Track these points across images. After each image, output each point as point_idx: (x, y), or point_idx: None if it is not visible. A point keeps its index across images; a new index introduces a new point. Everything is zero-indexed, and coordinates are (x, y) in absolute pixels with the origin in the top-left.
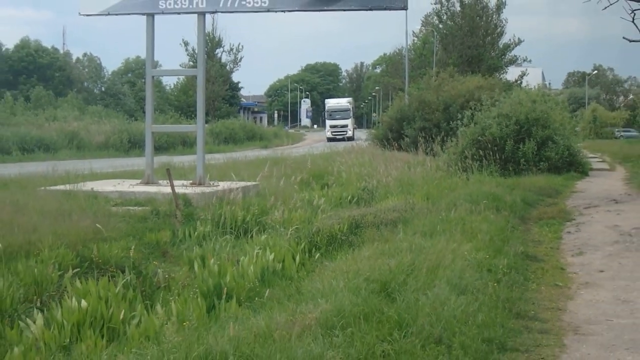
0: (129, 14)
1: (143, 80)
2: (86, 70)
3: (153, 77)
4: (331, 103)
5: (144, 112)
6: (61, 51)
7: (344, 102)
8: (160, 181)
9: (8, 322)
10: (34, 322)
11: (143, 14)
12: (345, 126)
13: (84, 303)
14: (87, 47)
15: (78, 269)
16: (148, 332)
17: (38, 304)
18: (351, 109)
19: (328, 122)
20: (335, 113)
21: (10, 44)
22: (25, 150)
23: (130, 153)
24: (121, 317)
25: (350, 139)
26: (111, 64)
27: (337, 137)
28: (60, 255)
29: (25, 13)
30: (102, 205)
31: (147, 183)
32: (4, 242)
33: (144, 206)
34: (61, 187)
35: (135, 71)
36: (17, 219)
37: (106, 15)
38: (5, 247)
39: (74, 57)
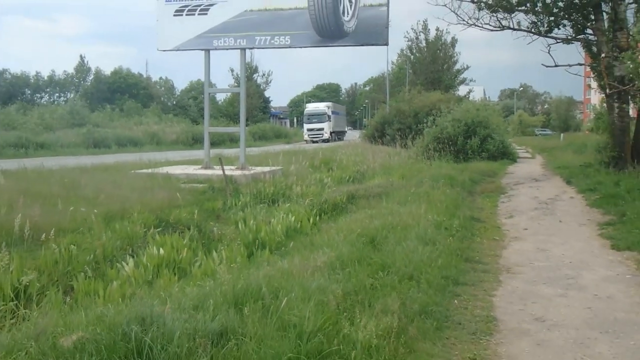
0: (192, 49)
1: (202, 96)
2: (162, 89)
3: (209, 94)
4: (309, 107)
5: (203, 118)
6: (144, 75)
7: (321, 106)
8: (215, 166)
9: (109, 264)
10: (127, 264)
11: (202, 50)
12: (321, 129)
13: (161, 251)
14: (163, 72)
15: (157, 227)
16: (206, 271)
17: (130, 252)
18: (328, 113)
19: (305, 126)
20: (313, 117)
21: (108, 71)
22: (120, 145)
23: (193, 147)
24: (188, 260)
25: (326, 140)
26: (180, 84)
27: (314, 139)
28: (145, 218)
29: (118, 49)
30: (174, 183)
31: (205, 168)
32: (106, 209)
33: (203, 184)
34: (145, 170)
35: (197, 89)
36: (115, 192)
37: (176, 50)
38: (107, 212)
39: (154, 80)
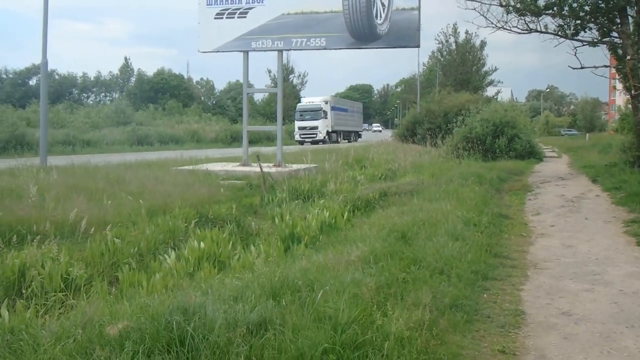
0: (231, 51)
1: (241, 96)
2: (203, 89)
3: (247, 94)
4: (303, 102)
5: (241, 117)
6: (185, 77)
7: (317, 101)
8: (252, 164)
9: (152, 256)
10: (169, 257)
11: (240, 52)
12: (315, 128)
13: (202, 244)
14: (203, 73)
15: (198, 222)
16: (245, 264)
17: (171, 245)
18: (325, 109)
19: (297, 123)
20: (305, 113)
21: (150, 72)
22: (162, 143)
23: (232, 145)
24: (227, 254)
25: (320, 142)
26: (219, 85)
27: (306, 139)
28: (186, 213)
29: (159, 51)
30: (213, 180)
31: (243, 165)
32: (149, 204)
33: (242, 180)
34: (186, 167)
35: (235, 90)
36: (157, 188)
37: (216, 52)
38: (150, 207)
39: (195, 81)
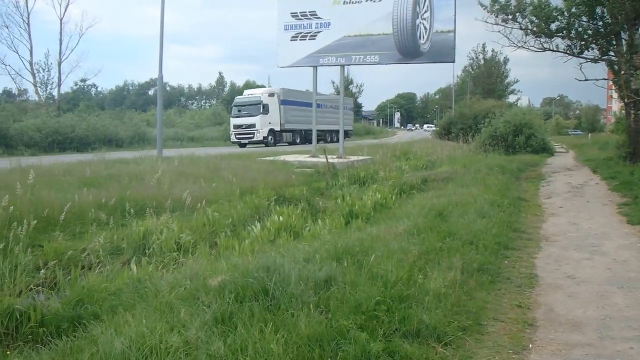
0: (304, 66)
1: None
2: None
3: (316, 100)
4: (244, 94)
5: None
6: (267, 86)
7: (258, 92)
8: (319, 155)
9: (242, 227)
10: (255, 228)
11: (311, 66)
12: (252, 126)
13: (280, 218)
14: (281, 84)
15: (277, 201)
16: (314, 234)
17: (257, 218)
18: (266, 103)
19: (232, 121)
20: (243, 108)
21: (240, 83)
22: None
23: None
24: (300, 226)
25: (266, 143)
26: None
27: (243, 140)
28: (268, 193)
29: (246, 67)
30: (289, 168)
31: (312, 156)
32: (239, 186)
33: (311, 168)
34: (268, 158)
35: None
36: (245, 174)
37: (291, 67)
38: (240, 188)
39: None
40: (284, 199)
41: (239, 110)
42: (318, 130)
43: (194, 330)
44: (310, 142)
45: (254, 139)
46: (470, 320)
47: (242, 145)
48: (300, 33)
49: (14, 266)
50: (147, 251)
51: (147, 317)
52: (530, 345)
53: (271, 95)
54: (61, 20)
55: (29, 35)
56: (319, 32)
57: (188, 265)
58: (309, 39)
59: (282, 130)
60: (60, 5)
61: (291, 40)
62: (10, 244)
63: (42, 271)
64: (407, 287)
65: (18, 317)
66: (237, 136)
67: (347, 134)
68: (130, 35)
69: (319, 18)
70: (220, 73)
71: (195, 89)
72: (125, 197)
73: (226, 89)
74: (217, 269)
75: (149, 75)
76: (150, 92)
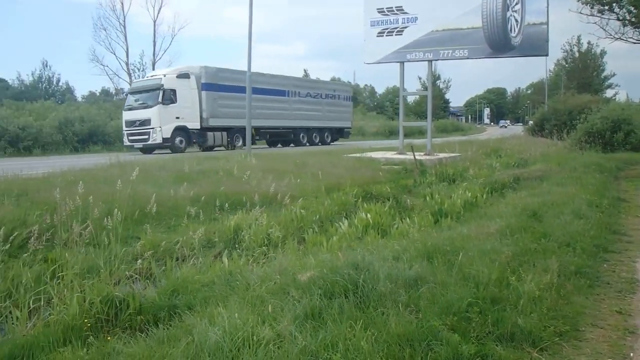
0: (390, 62)
1: (397, 98)
2: (366, 93)
3: (403, 96)
4: (140, 79)
5: (397, 115)
6: (353, 83)
7: (160, 75)
8: (407, 152)
9: (329, 223)
10: (343, 224)
11: (397, 62)
12: (146, 123)
13: (368, 215)
14: (366, 80)
15: (364, 197)
16: (402, 232)
17: (344, 215)
18: (170, 88)
19: (124, 115)
20: (140, 97)
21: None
22: None
23: (389, 137)
24: (387, 223)
25: (172, 148)
26: (379, 89)
27: (136, 144)
28: (355, 190)
29: (332, 64)
30: (375, 165)
31: (399, 153)
32: (326, 182)
33: (398, 166)
34: (354, 154)
35: (392, 93)
36: (332, 171)
37: (378, 63)
38: (326, 185)
39: (362, 86)
40: (370, 196)
41: (136, 100)
42: (288, 128)
43: (285, 324)
44: (320, 143)
45: (150, 142)
46: (567, 326)
47: (146, 151)
48: (387, 29)
49: (113, 256)
50: (237, 245)
51: (239, 310)
52: (632, 354)
53: (182, 76)
54: (155, 22)
55: (125, 37)
56: (405, 27)
57: (277, 260)
58: (396, 35)
59: (205, 129)
60: (153, 8)
61: (377, 36)
62: (110, 235)
63: (139, 261)
64: (500, 289)
65: (117, 305)
66: (130, 138)
67: (342, 132)
68: (220, 35)
69: (405, 13)
70: (305, 70)
71: None
72: (216, 193)
73: None
74: (306, 265)
75: None
76: None
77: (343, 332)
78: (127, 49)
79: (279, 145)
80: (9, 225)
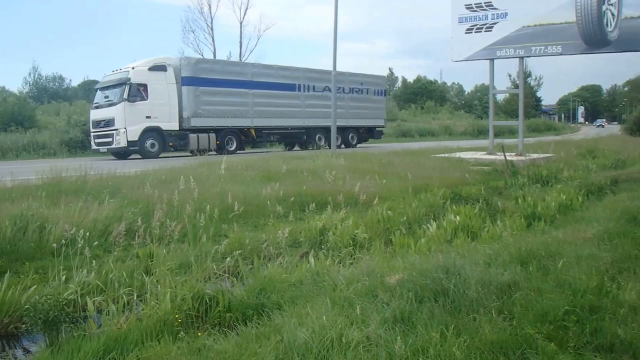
0: (479, 59)
1: (486, 97)
2: (453, 92)
3: (493, 94)
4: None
5: (486, 114)
6: (439, 81)
7: (128, 68)
8: (497, 153)
9: (417, 225)
10: (431, 227)
11: (487, 59)
12: (109, 123)
13: (457, 217)
14: (454, 78)
15: (452, 199)
16: (493, 236)
17: (432, 217)
18: (140, 82)
19: (91, 114)
20: (107, 93)
21: (411, 79)
22: (421, 135)
23: (478, 137)
24: (477, 226)
25: (142, 152)
26: (467, 87)
27: (101, 147)
28: (443, 192)
29: (418, 62)
30: (465, 165)
31: (489, 154)
32: (413, 183)
33: (488, 166)
34: (442, 155)
35: (481, 91)
36: (419, 171)
37: (466, 60)
38: (413, 186)
39: (448, 85)
40: (459, 197)
41: (105, 97)
42: (300, 128)
43: (373, 327)
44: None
45: (113, 146)
46: None
47: (119, 156)
48: (475, 25)
49: (204, 253)
50: (323, 246)
51: (327, 310)
52: None
53: (156, 69)
54: (241, 23)
55: (212, 38)
56: (495, 23)
57: (364, 261)
58: (485, 31)
59: (187, 130)
60: (240, 10)
61: (466, 32)
62: (199, 232)
63: (228, 259)
64: (599, 297)
65: (207, 302)
66: (96, 140)
67: (372, 131)
68: (305, 35)
69: (495, 9)
70: (390, 69)
71: None
72: (302, 192)
73: (397, 85)
74: (394, 267)
75: None
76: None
77: (434, 338)
78: (215, 50)
79: (296, 147)
80: (105, 222)
